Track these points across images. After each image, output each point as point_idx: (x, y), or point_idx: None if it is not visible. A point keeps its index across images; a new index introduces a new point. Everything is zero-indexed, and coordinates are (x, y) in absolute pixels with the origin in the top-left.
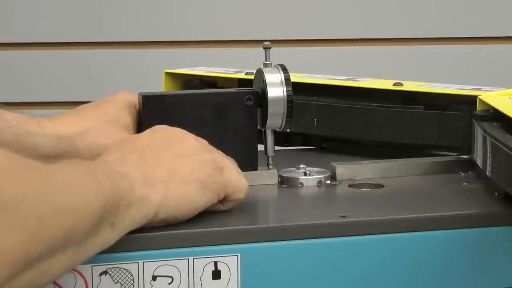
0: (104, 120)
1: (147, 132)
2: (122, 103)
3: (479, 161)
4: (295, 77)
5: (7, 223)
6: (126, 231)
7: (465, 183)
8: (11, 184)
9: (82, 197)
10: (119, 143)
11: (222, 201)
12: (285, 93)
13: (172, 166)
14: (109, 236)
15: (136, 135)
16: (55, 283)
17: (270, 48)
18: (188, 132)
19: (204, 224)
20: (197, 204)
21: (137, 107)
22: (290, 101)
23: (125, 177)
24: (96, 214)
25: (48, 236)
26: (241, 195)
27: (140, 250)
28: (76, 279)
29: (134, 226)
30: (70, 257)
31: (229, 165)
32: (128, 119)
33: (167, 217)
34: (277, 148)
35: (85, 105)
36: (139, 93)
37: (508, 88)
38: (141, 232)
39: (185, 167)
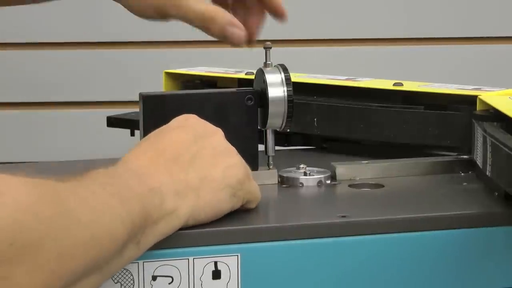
0: None
1: (177, 126)
2: None
3: (479, 161)
4: (295, 77)
5: (26, 264)
6: (151, 245)
7: (465, 183)
8: (37, 224)
9: (108, 226)
10: (148, 139)
11: None
12: (286, 93)
13: (205, 170)
14: (134, 254)
15: (165, 127)
16: None
17: (270, 48)
18: (218, 128)
19: (204, 224)
20: (224, 210)
21: None
22: (290, 101)
23: (157, 193)
24: (121, 240)
25: (68, 271)
26: (254, 205)
27: None
28: None
29: (160, 238)
30: (93, 280)
31: (249, 171)
32: None
33: (195, 223)
34: (277, 148)
35: None
36: (139, 93)
37: (508, 88)
38: None
39: (217, 171)
